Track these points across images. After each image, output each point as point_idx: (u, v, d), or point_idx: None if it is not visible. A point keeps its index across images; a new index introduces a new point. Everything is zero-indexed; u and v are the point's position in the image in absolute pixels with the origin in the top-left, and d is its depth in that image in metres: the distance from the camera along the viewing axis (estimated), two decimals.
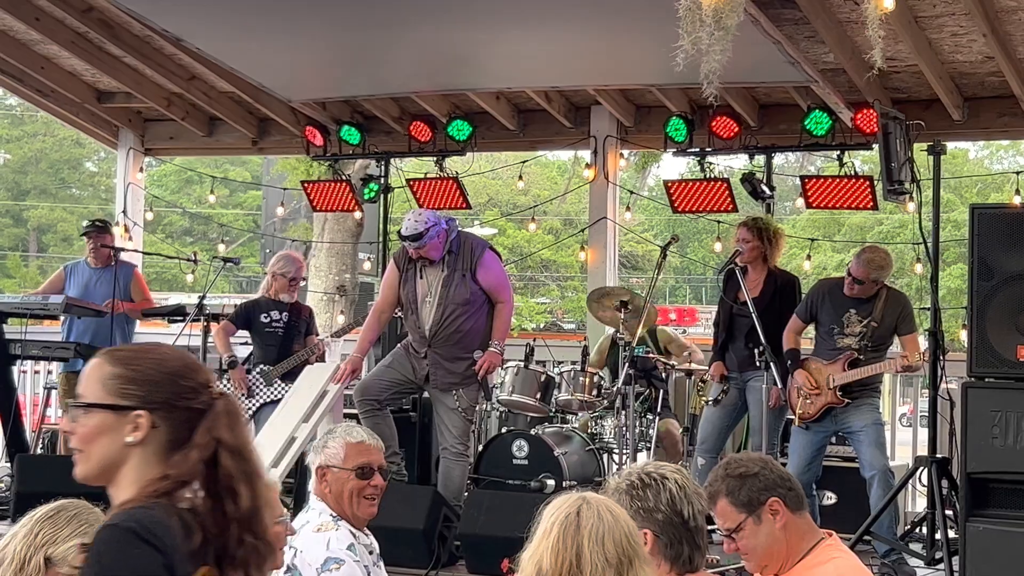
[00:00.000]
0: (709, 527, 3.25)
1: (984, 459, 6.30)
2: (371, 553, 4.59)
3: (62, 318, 9.48)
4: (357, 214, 12.36)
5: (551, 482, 8.01)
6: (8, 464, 8.99)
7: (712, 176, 9.56)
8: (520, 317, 31.28)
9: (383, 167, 10.64)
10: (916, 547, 7.15)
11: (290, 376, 8.28)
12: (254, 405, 8.50)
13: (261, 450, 7.11)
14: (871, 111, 8.39)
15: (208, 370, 2.59)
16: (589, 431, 8.71)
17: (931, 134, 7.83)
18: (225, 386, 8.55)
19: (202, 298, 8.72)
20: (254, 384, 8.51)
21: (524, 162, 10.92)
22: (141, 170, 11.70)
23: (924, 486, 7.05)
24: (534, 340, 9.22)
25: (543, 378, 8.64)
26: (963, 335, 6.82)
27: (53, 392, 10.10)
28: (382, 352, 9.02)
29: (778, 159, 14.58)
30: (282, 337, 8.66)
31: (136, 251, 11.18)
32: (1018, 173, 9.18)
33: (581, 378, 8.59)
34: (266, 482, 2.52)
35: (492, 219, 30.69)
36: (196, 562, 2.33)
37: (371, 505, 4.60)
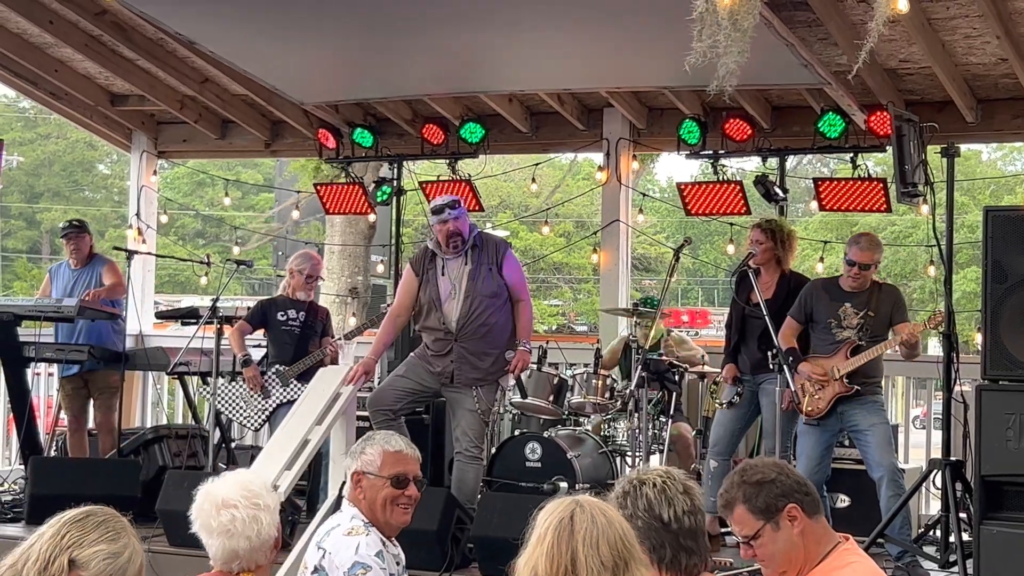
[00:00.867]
0: (723, 530, 3.27)
1: (998, 461, 6.29)
2: (398, 564, 4.59)
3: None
4: (370, 217, 12.37)
5: (564, 484, 8.01)
6: (22, 466, 9.02)
7: (725, 178, 9.55)
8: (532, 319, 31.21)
9: (396, 170, 10.64)
10: (930, 550, 7.13)
11: (306, 376, 8.26)
12: (270, 406, 8.49)
13: (274, 452, 7.15)
14: (884, 113, 8.38)
15: None
16: (602, 434, 8.71)
17: (944, 136, 7.82)
18: (239, 385, 8.56)
19: (215, 300, 8.71)
20: (270, 384, 8.50)
21: (537, 164, 10.91)
22: (154, 173, 11.71)
23: (938, 489, 7.03)
24: (547, 342, 9.22)
25: (556, 380, 8.64)
26: (978, 338, 6.80)
27: None
28: (395, 355, 9.02)
29: (791, 161, 14.54)
30: (298, 336, 8.65)
31: (149, 254, 11.22)
32: None
33: (594, 380, 8.59)
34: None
35: (505, 221, 30.70)
36: None
37: (404, 514, 4.58)
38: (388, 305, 8.35)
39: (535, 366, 8.42)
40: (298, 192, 12.27)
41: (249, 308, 8.94)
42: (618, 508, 3.34)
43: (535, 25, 8.16)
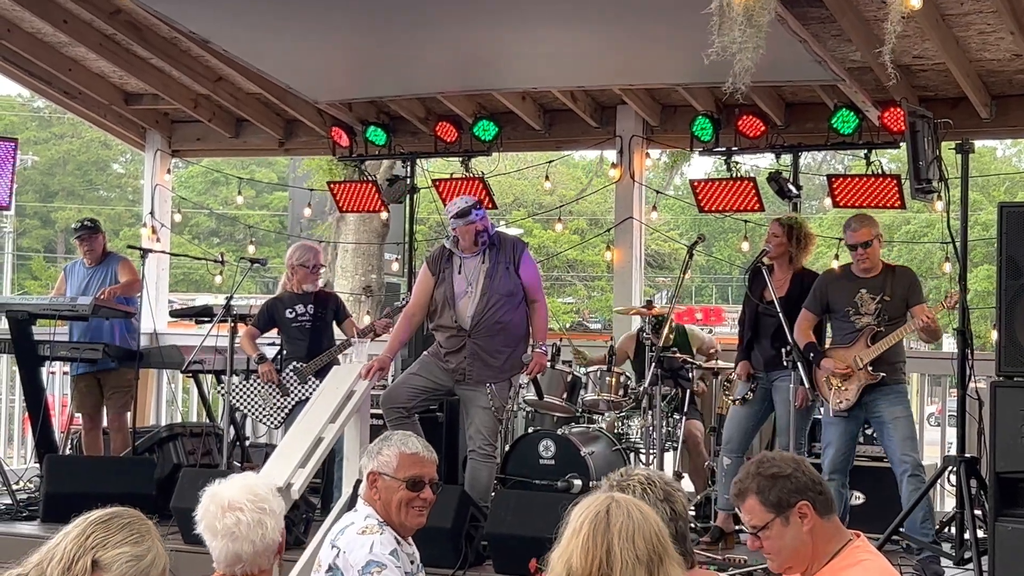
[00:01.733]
0: (737, 527, 3.27)
1: (1013, 458, 6.28)
2: (412, 563, 4.59)
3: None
4: (383, 215, 12.38)
5: (578, 482, 8.02)
6: (37, 464, 9.04)
7: (739, 175, 9.54)
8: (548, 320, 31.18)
9: (409, 167, 10.65)
10: (945, 547, 7.12)
11: (323, 373, 8.26)
12: (289, 403, 8.49)
13: (288, 450, 7.16)
14: (898, 109, 8.36)
15: None
16: (616, 431, 8.71)
17: (959, 132, 7.79)
18: (256, 382, 8.56)
19: (229, 299, 8.72)
20: (288, 382, 8.50)
21: (550, 162, 10.91)
22: (168, 171, 11.73)
23: (953, 486, 7.02)
24: (560, 340, 9.22)
25: (569, 378, 8.65)
26: (994, 336, 6.78)
27: None
28: (408, 354, 9.02)
29: (805, 158, 14.52)
30: (310, 330, 8.63)
31: (164, 252, 11.24)
32: None
33: (607, 378, 8.60)
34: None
35: (519, 219, 30.68)
36: None
37: (419, 516, 4.58)
38: (405, 299, 8.36)
39: (549, 363, 8.42)
40: (310, 190, 12.27)
41: (257, 311, 8.93)
42: None
43: (548, 22, 8.16)
